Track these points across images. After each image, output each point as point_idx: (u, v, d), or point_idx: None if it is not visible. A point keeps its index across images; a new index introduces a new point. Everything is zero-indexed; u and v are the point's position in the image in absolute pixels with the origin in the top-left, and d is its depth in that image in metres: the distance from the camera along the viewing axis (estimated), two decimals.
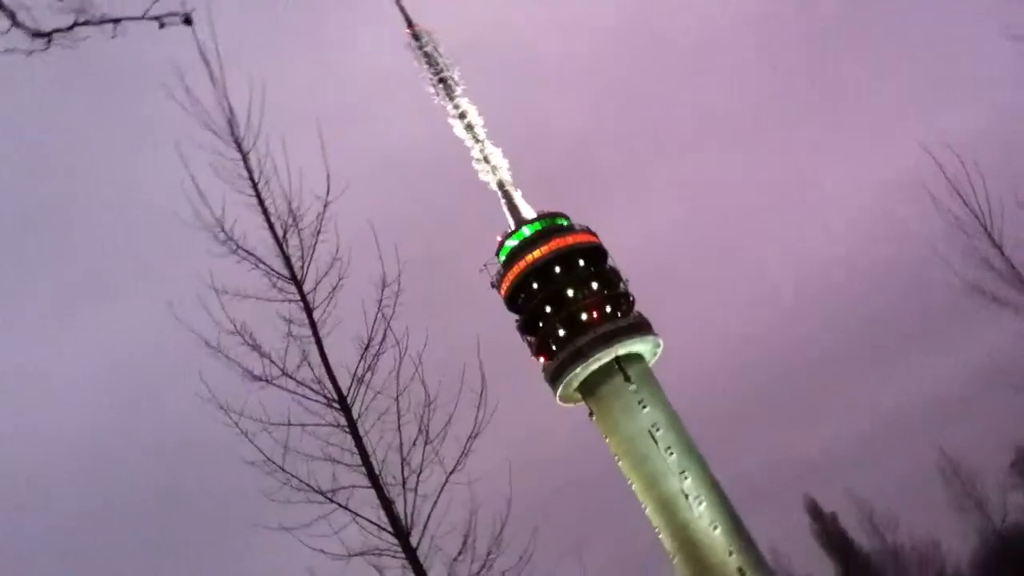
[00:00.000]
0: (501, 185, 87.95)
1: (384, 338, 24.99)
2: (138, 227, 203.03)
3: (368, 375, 24.64)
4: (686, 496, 74.84)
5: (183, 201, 19.19)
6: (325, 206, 24.67)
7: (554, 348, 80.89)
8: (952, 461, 65.48)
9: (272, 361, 23.38)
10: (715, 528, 73.91)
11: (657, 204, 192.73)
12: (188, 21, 10.30)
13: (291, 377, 22.89)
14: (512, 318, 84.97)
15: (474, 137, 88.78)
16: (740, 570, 72.34)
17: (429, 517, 23.90)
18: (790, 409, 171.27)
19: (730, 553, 73.09)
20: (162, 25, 9.88)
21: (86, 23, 9.53)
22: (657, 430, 77.37)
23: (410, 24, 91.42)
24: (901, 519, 66.52)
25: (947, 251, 22.00)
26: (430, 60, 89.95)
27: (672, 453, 76.46)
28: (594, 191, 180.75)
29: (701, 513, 74.31)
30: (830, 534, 72.63)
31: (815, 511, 73.87)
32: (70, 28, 9.54)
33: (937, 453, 67.23)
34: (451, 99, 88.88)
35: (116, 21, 9.68)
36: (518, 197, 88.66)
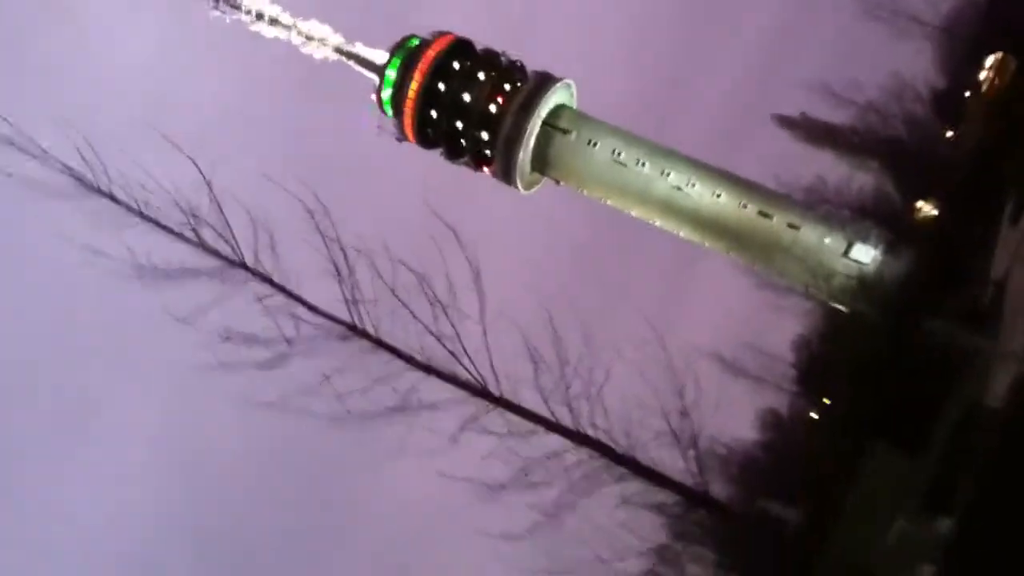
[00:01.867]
0: (339, 50, 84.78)
1: (347, 258, 25.37)
2: None
3: (355, 293, 25.17)
4: (679, 188, 75.91)
5: None
6: (210, 188, 24.57)
7: (487, 153, 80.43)
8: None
9: (286, 340, 23.98)
10: (718, 196, 75.33)
11: None
12: None
13: (288, 341, 23.37)
14: (432, 157, 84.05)
15: (287, 25, 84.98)
16: (761, 213, 74.22)
17: (492, 365, 24.87)
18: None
19: (744, 206, 74.75)
20: None
21: None
22: (619, 154, 77.80)
23: None
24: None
25: None
26: None
27: (643, 163, 77.12)
28: None
29: (700, 193, 75.56)
30: (810, 129, 74.42)
31: (785, 122, 75.49)
32: None
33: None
34: (240, 7, 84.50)
35: None
36: (363, 49, 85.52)
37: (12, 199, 23.75)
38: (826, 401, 71.61)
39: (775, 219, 73.44)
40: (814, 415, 74.10)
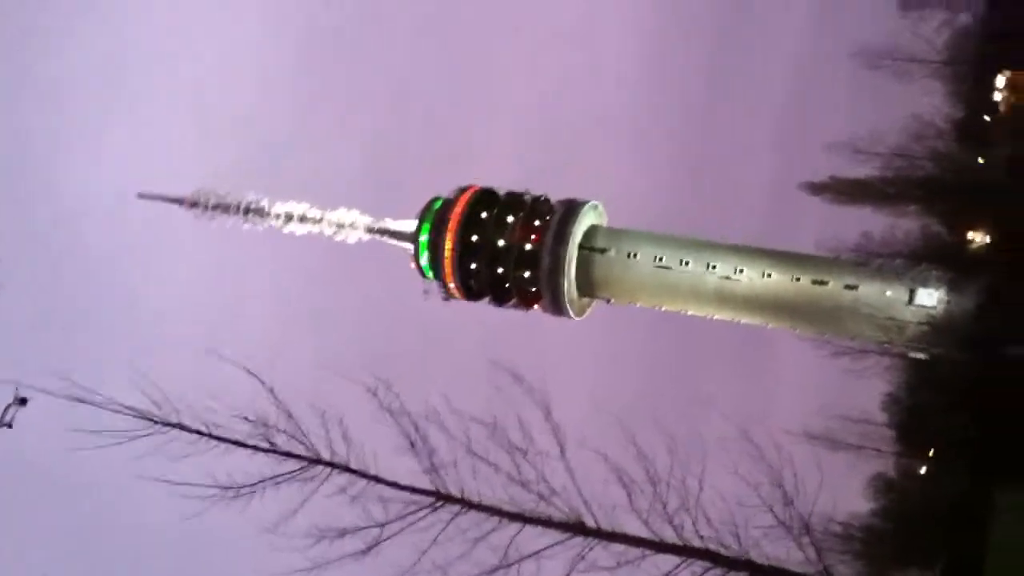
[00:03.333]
0: (371, 229, 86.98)
1: (417, 428, 25.53)
2: None
3: (433, 460, 25.23)
4: (728, 278, 75.87)
5: None
6: (273, 393, 25.06)
7: (532, 289, 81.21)
8: None
9: (377, 524, 24.05)
10: (769, 275, 75.07)
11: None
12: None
13: (380, 525, 23.39)
14: (481, 308, 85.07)
15: (316, 219, 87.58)
16: (816, 281, 73.69)
17: (583, 498, 24.60)
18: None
19: (797, 279, 74.37)
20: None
21: None
22: (661, 259, 78.25)
23: (181, 202, 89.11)
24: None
25: None
26: (222, 208, 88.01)
27: (687, 262, 77.41)
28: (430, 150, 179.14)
29: (750, 277, 75.40)
30: (842, 189, 74.66)
31: (816, 188, 75.84)
32: None
33: None
34: (269, 215, 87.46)
35: None
36: (393, 223, 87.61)
37: (90, 454, 24.41)
38: (931, 454, 69.57)
39: (831, 284, 72.90)
40: (923, 470, 71.83)
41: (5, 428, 15.79)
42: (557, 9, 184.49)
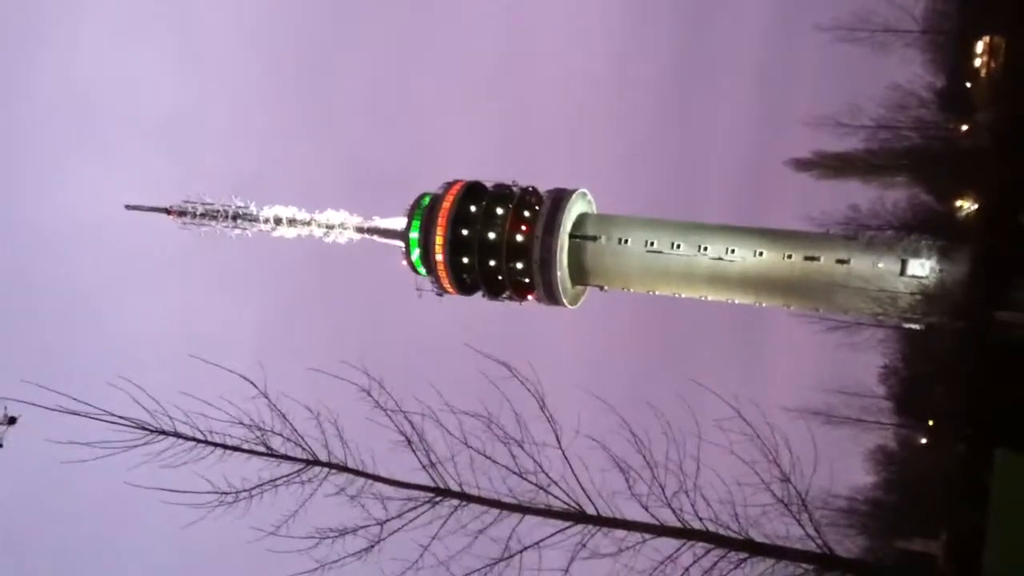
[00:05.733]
0: (360, 229, 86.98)
1: (413, 424, 25.49)
2: None
3: (430, 455, 25.23)
4: (719, 259, 76.02)
5: None
6: (267, 397, 25.01)
7: (526, 281, 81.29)
8: None
9: (378, 522, 24.10)
10: (761, 254, 75.24)
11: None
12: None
13: (380, 523, 23.39)
14: (475, 303, 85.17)
15: (305, 221, 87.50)
16: (807, 258, 73.92)
17: (582, 486, 24.64)
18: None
19: (788, 256, 74.54)
20: None
21: None
22: (652, 244, 78.34)
23: (167, 211, 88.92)
24: None
25: None
26: (209, 215, 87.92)
27: (679, 246, 77.52)
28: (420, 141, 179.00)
29: (741, 256, 75.54)
30: (827, 164, 74.74)
31: (801, 164, 75.95)
32: None
33: None
34: (258, 220, 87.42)
35: None
36: (382, 222, 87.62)
37: (85, 465, 24.37)
38: (931, 423, 69.68)
39: (822, 259, 73.14)
40: (923, 440, 72.00)
41: None
42: None
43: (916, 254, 68.89)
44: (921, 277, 68.64)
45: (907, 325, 70.79)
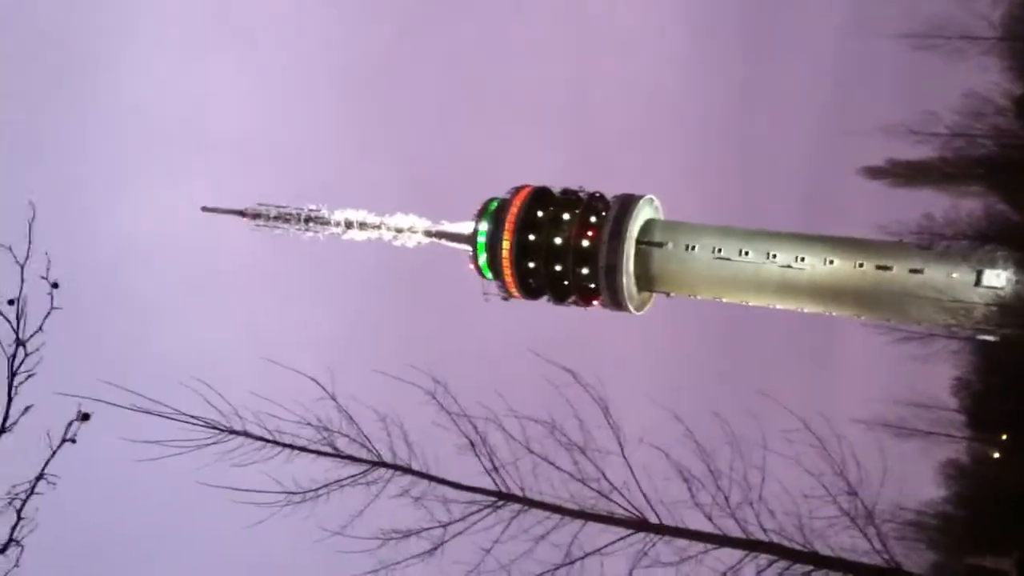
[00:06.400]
0: (429, 233, 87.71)
1: (477, 428, 25.71)
2: None
3: (493, 459, 25.40)
4: (789, 267, 75.13)
5: None
6: (334, 399, 25.40)
7: (591, 286, 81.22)
8: None
9: (441, 524, 24.40)
10: (831, 262, 74.23)
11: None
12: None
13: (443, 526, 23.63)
14: (542, 308, 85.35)
15: (374, 224, 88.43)
16: (879, 267, 72.74)
17: (644, 494, 24.63)
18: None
19: (860, 265, 73.44)
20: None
21: None
22: (719, 251, 77.79)
23: (242, 213, 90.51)
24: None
25: None
26: (284, 218, 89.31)
27: (746, 252, 76.83)
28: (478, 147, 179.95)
29: (812, 264, 74.59)
30: (901, 172, 73.47)
31: (874, 172, 74.75)
32: None
33: None
34: (329, 223, 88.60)
35: None
36: (450, 226, 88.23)
37: (154, 464, 24.97)
38: (1004, 436, 68.06)
39: (895, 269, 71.93)
40: (996, 455, 70.31)
41: (69, 443, 16.32)
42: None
43: (992, 264, 67.45)
44: (997, 288, 67.14)
45: (981, 337, 69.26)
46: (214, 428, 24.88)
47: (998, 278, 67.41)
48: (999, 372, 69.18)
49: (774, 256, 75.77)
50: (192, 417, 24.44)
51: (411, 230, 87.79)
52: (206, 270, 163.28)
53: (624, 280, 79.32)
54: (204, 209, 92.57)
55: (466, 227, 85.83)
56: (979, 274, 68.30)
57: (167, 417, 24.25)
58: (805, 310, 79.16)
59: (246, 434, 25.32)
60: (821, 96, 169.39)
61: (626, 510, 24.55)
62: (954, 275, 69.04)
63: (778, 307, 79.61)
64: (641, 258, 79.99)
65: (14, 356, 16.28)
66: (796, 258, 75.13)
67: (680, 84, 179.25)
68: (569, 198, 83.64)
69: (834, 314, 78.63)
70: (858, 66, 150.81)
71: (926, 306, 69.28)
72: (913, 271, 70.98)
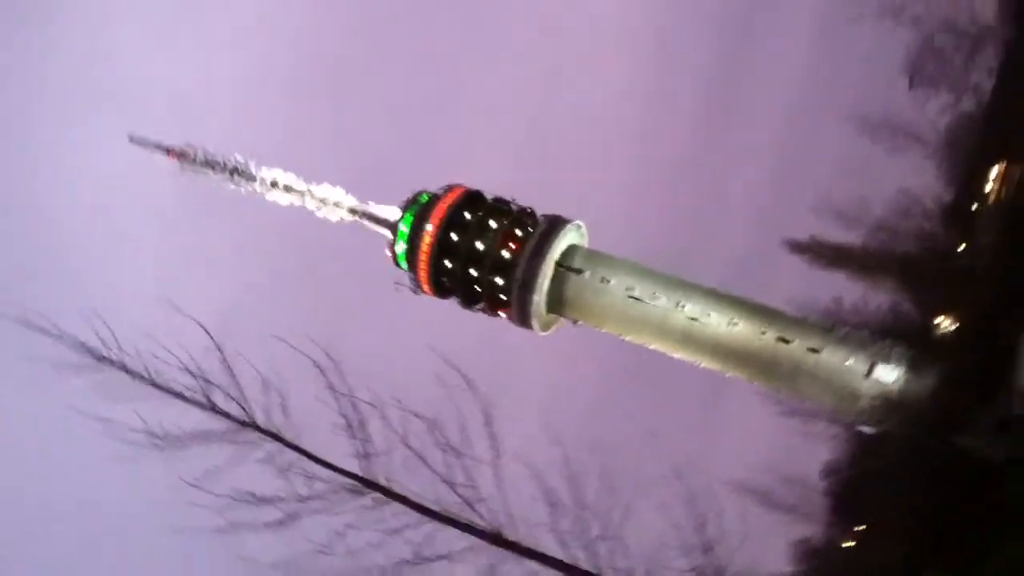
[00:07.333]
0: (354, 210, 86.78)
1: (358, 412, 25.48)
2: None
3: (366, 446, 25.19)
4: (695, 319, 76.01)
5: None
6: (220, 351, 24.96)
7: (502, 297, 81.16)
8: None
9: (299, 498, 23.98)
10: (736, 324, 75.26)
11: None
12: None
13: (300, 499, 23.31)
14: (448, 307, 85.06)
15: (300, 190, 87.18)
16: (780, 339, 73.94)
17: (508, 510, 24.65)
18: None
19: (763, 333, 74.57)
20: None
21: None
22: (633, 290, 78.33)
23: (168, 151, 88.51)
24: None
25: None
26: (209, 164, 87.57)
27: (658, 296, 77.49)
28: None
29: (717, 322, 75.57)
30: (822, 252, 75.20)
31: (797, 247, 76.30)
32: None
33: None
34: (255, 179, 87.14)
35: None
36: (376, 208, 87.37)
37: (28, 377, 24.24)
38: (860, 528, 69.86)
39: (795, 344, 73.13)
40: (849, 543, 72.09)
41: None
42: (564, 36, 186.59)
43: (887, 360, 69.19)
44: (886, 383, 68.90)
45: (860, 427, 71.07)
46: (92, 355, 24.26)
47: (889, 373, 69.17)
48: (870, 465, 71.01)
49: (683, 306, 76.55)
50: (74, 338, 23.79)
51: (336, 204, 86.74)
52: (129, 203, 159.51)
53: (536, 298, 79.40)
54: (131, 140, 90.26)
55: (392, 213, 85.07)
56: (872, 366, 69.92)
57: (46, 333, 23.56)
58: (702, 365, 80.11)
59: (123, 367, 24.73)
60: (771, 161, 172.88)
61: (486, 521, 24.54)
62: (849, 362, 70.65)
63: (677, 356, 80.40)
64: (557, 281, 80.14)
65: None
66: (704, 312, 76.03)
67: (639, 118, 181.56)
68: (500, 207, 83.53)
69: (729, 374, 79.75)
70: (809, 138, 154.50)
71: (817, 386, 70.80)
72: (811, 350, 72.33)
